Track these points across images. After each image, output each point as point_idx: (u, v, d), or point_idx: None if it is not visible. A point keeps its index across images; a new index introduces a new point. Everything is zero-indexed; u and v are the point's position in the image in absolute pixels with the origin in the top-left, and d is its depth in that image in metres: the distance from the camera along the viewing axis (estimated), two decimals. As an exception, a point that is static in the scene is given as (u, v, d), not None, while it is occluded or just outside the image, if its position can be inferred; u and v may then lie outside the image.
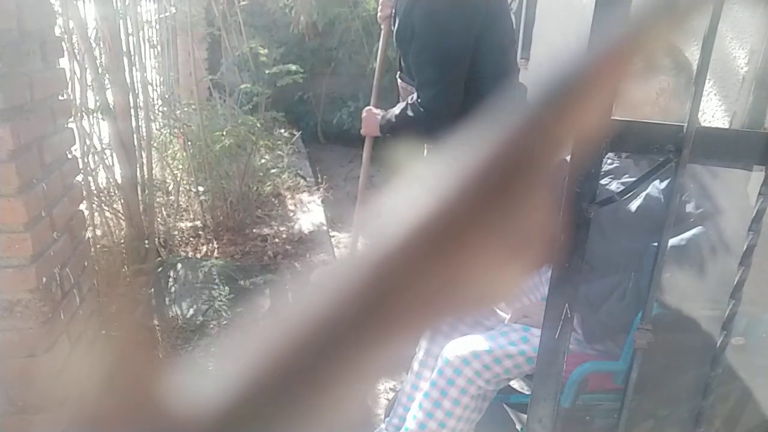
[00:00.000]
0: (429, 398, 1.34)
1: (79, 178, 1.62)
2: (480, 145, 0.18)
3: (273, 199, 3.35)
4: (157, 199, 2.68)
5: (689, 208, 1.18)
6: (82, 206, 1.62)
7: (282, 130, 3.91)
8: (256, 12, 4.72)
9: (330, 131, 4.92)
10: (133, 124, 2.29)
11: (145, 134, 2.47)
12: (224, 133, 2.76)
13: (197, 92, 2.97)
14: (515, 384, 1.57)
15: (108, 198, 2.41)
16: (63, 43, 1.60)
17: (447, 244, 0.17)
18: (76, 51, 2.02)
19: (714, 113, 1.59)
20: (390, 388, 1.89)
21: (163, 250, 2.52)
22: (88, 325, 1.55)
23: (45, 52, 1.32)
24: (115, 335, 0.17)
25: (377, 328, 0.17)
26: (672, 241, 1.12)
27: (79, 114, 2.04)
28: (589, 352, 1.28)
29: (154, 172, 2.52)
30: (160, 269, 2.39)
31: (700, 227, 1.15)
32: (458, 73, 1.57)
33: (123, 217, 2.31)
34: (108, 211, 2.29)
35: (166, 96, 3.43)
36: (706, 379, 0.80)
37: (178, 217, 2.85)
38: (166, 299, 2.26)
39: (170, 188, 2.90)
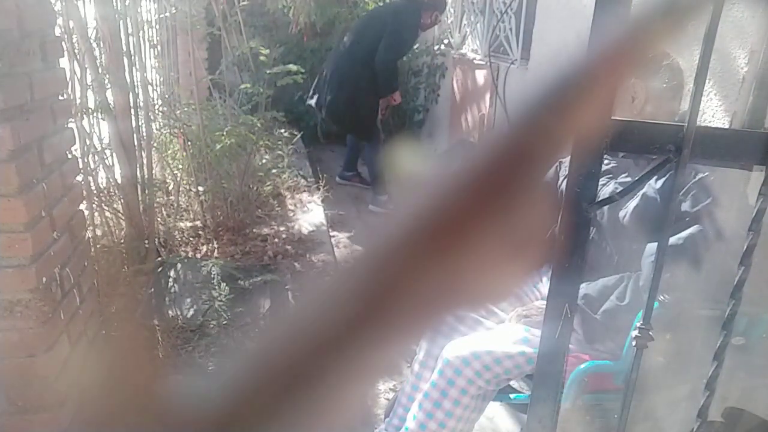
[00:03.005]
0: (429, 398, 1.34)
1: (79, 178, 1.62)
2: (481, 145, 0.18)
3: (273, 200, 3.34)
4: (157, 199, 2.68)
5: (685, 206, 1.18)
6: (82, 206, 1.62)
7: (282, 130, 3.91)
8: (256, 12, 4.72)
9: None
10: (133, 124, 2.28)
11: (145, 134, 2.47)
12: (224, 133, 2.76)
13: (197, 92, 2.97)
14: (515, 384, 1.57)
15: (108, 198, 2.41)
16: (63, 43, 1.59)
17: (447, 244, 0.17)
18: (76, 51, 2.02)
19: (714, 113, 1.59)
20: (390, 388, 1.89)
21: (163, 250, 2.52)
22: (88, 325, 1.55)
23: (45, 52, 1.32)
24: (115, 335, 0.17)
25: (377, 328, 0.17)
26: (669, 241, 1.12)
27: (79, 114, 2.04)
28: (589, 352, 1.28)
29: (154, 172, 2.52)
30: (160, 269, 2.39)
31: (697, 226, 1.16)
32: None
33: (123, 217, 2.31)
34: (108, 211, 2.29)
35: (166, 96, 3.43)
36: (706, 378, 0.80)
37: (178, 217, 2.85)
38: (166, 299, 2.26)
39: (170, 188, 2.90)
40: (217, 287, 2.27)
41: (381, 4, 4.43)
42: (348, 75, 3.49)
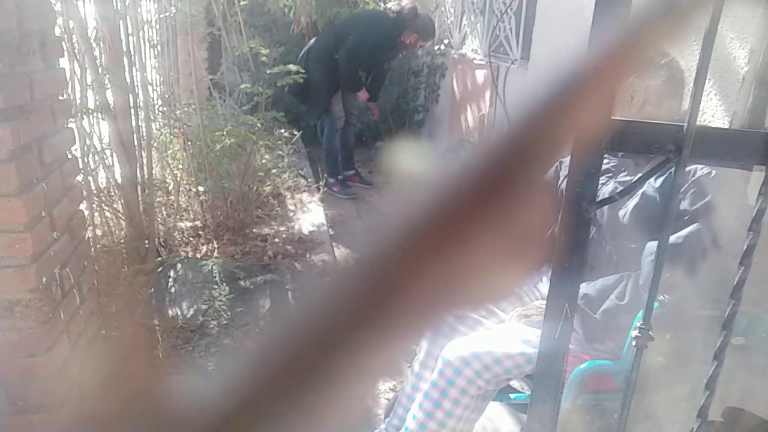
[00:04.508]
0: (429, 398, 1.34)
1: (79, 178, 1.62)
2: (481, 144, 0.18)
3: (273, 200, 3.35)
4: (157, 199, 2.68)
5: (684, 205, 1.18)
6: (82, 206, 1.62)
7: (282, 130, 3.91)
8: (256, 12, 4.72)
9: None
10: (133, 124, 2.28)
11: (145, 134, 2.47)
12: (224, 133, 2.76)
13: (197, 92, 2.97)
14: (515, 384, 1.58)
15: (108, 198, 2.41)
16: (63, 43, 1.60)
17: (447, 243, 0.17)
18: (76, 51, 2.02)
19: (714, 113, 1.59)
20: (390, 388, 1.89)
21: (163, 250, 2.52)
22: (88, 325, 1.55)
23: (45, 52, 1.32)
24: (115, 335, 0.17)
25: (377, 328, 0.17)
26: (669, 240, 1.12)
27: (79, 114, 2.04)
28: (589, 352, 1.28)
29: (154, 172, 2.52)
30: (160, 269, 2.39)
31: (696, 224, 1.15)
32: None
33: (123, 217, 2.31)
34: (108, 211, 2.29)
35: (166, 96, 3.43)
36: (706, 378, 0.80)
37: (178, 217, 2.85)
38: (166, 299, 2.26)
39: (170, 188, 2.90)
40: (217, 287, 2.27)
41: (381, 5, 4.44)
42: (312, 56, 3.73)
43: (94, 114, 2.22)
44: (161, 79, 3.52)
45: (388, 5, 3.85)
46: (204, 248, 2.72)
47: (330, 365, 0.16)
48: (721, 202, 1.17)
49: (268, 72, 2.93)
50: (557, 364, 0.84)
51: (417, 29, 3.64)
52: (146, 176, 2.37)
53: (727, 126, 1.50)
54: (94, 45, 2.12)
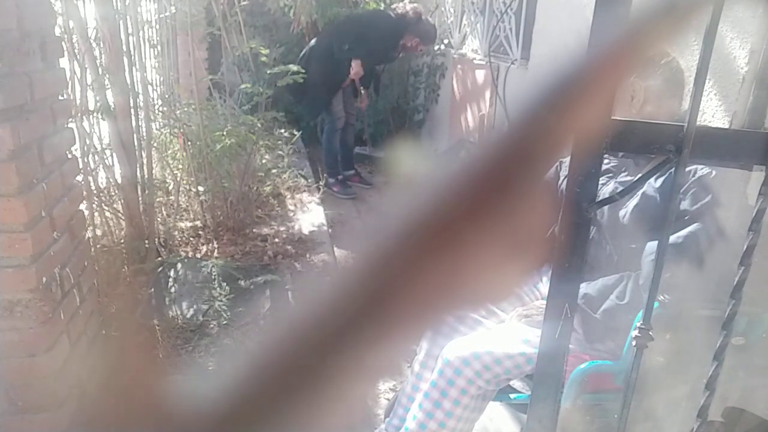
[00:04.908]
0: (429, 398, 1.34)
1: (79, 178, 1.62)
2: (481, 144, 0.18)
3: (273, 200, 3.34)
4: (157, 199, 2.68)
5: (684, 205, 1.18)
6: (82, 206, 1.63)
7: (282, 130, 3.91)
8: (256, 12, 4.71)
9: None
10: (133, 124, 2.28)
11: (145, 134, 2.47)
12: (224, 133, 2.76)
13: (197, 92, 2.97)
14: (515, 384, 1.58)
15: (108, 198, 2.41)
16: (63, 43, 1.60)
17: (447, 243, 0.17)
18: (76, 51, 2.02)
19: (714, 113, 1.59)
20: (390, 388, 1.89)
21: (163, 250, 2.52)
22: (88, 325, 1.55)
23: (45, 52, 1.32)
24: (115, 335, 0.17)
25: (377, 328, 0.17)
26: (669, 239, 1.12)
27: (79, 114, 2.04)
28: (589, 352, 1.28)
29: (154, 172, 2.51)
30: (160, 269, 2.39)
31: (696, 224, 1.16)
32: None
33: (123, 217, 2.31)
34: (108, 211, 2.29)
35: (166, 96, 3.43)
36: (706, 378, 0.80)
37: (178, 217, 2.85)
38: (166, 299, 2.26)
39: (170, 188, 2.90)
40: (217, 287, 2.27)
41: (383, 6, 4.44)
42: (314, 55, 3.72)
43: (94, 114, 2.22)
44: (161, 79, 3.52)
45: (393, 6, 3.85)
46: (204, 248, 2.72)
47: (330, 365, 0.16)
48: (721, 202, 1.18)
49: (268, 72, 2.93)
50: (557, 364, 0.84)
51: (419, 34, 3.65)
52: (146, 176, 2.37)
53: (727, 126, 1.50)
54: (94, 45, 2.12)
